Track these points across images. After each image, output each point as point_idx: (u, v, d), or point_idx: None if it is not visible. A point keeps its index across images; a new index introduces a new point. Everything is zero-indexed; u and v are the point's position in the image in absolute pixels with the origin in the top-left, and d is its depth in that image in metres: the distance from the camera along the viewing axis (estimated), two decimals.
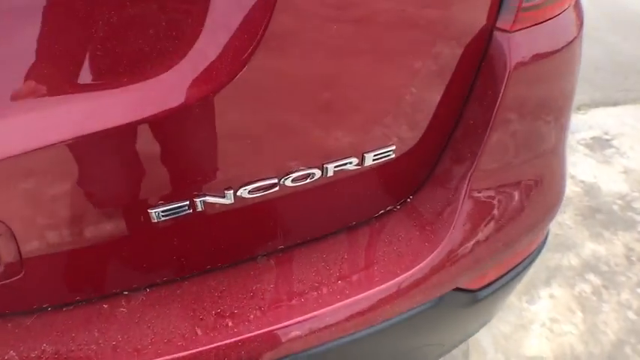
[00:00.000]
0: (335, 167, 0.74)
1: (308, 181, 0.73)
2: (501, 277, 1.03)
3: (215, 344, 0.74)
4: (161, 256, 0.77)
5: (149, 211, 0.67)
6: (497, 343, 1.78)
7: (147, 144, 0.63)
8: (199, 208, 0.69)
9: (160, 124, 0.62)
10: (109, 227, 0.70)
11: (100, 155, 0.63)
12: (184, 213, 0.69)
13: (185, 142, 0.65)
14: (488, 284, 1.01)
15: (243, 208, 0.74)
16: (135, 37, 0.58)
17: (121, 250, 0.74)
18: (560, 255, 2.10)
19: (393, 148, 0.77)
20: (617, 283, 2.00)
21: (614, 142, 2.69)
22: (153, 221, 0.68)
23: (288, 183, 0.72)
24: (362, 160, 0.76)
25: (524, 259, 1.07)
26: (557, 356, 1.73)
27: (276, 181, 0.71)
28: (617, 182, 2.45)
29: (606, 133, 2.76)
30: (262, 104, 0.66)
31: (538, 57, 0.84)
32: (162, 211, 0.67)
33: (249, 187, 0.70)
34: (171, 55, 0.60)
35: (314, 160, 0.72)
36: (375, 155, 0.75)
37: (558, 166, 1.02)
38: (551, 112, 0.93)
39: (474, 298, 1.00)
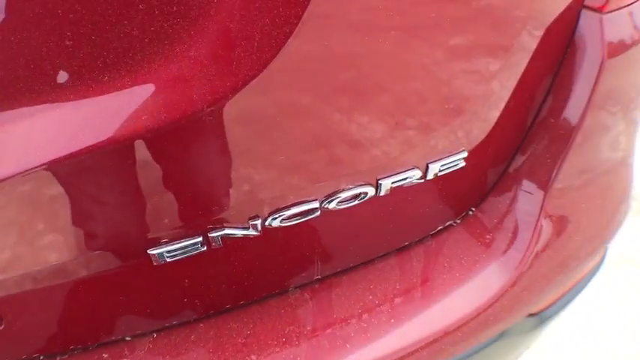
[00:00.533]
0: (392, 183, 0.54)
1: (356, 202, 0.54)
2: (564, 295, 0.85)
3: None
4: (168, 296, 0.58)
5: (150, 252, 0.48)
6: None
7: (145, 164, 0.43)
8: (216, 245, 0.50)
9: (161, 136, 0.42)
10: (102, 268, 0.51)
11: (86, 180, 0.44)
12: (197, 252, 0.50)
13: (197, 159, 0.45)
14: (551, 305, 0.84)
15: (272, 238, 0.54)
16: (121, 22, 0.38)
17: (119, 292, 0.55)
18: None
19: (464, 155, 0.57)
20: None
21: None
22: (155, 264, 0.49)
23: (332, 206, 0.52)
24: (425, 171, 0.56)
25: (587, 274, 0.89)
26: (594, 353, 1.57)
27: (317, 205, 0.52)
28: None
29: None
30: (298, 103, 0.46)
31: (632, 43, 0.64)
32: (168, 252, 0.48)
33: (282, 215, 0.51)
34: (173, 43, 0.40)
35: (366, 175, 0.53)
36: (442, 165, 0.55)
37: (626, 175, 0.84)
38: (635, 108, 0.73)
39: (539, 320, 0.82)
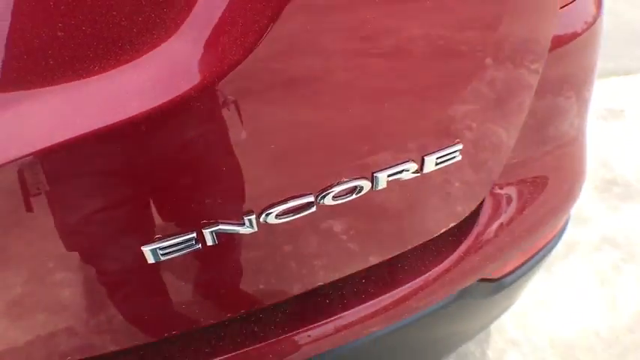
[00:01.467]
0: (388, 176, 0.51)
1: (353, 197, 0.51)
2: (524, 264, 0.87)
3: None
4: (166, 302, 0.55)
5: (143, 249, 0.45)
6: (518, 321, 1.62)
7: (132, 155, 0.41)
8: (210, 242, 0.47)
9: (146, 126, 0.39)
10: (93, 271, 0.48)
11: (70, 173, 0.41)
12: (191, 249, 0.47)
13: (186, 151, 0.42)
14: (511, 272, 0.85)
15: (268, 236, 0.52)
16: (110, 13, 0.35)
17: (120, 299, 0.52)
18: (578, 230, 1.91)
19: (460, 147, 0.55)
20: (636, 257, 1.82)
21: (628, 113, 2.45)
22: (149, 262, 0.46)
23: (328, 201, 0.50)
24: (422, 164, 0.53)
25: (547, 244, 0.90)
26: (577, 331, 1.57)
27: (312, 199, 0.49)
28: (632, 154, 2.23)
29: (619, 104, 2.51)
30: (287, 92, 0.43)
31: (565, 39, 0.65)
32: (161, 249, 0.45)
33: (276, 210, 0.48)
34: (156, 29, 0.37)
35: (362, 168, 0.50)
36: (438, 158, 0.53)
37: (581, 149, 0.85)
38: (576, 95, 0.75)
39: (498, 286, 0.84)
